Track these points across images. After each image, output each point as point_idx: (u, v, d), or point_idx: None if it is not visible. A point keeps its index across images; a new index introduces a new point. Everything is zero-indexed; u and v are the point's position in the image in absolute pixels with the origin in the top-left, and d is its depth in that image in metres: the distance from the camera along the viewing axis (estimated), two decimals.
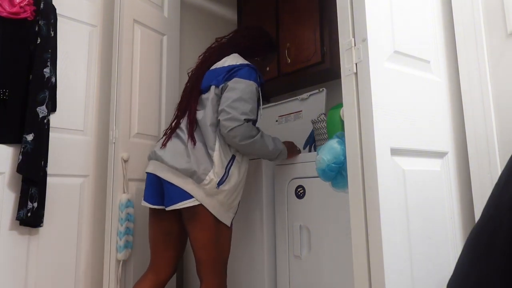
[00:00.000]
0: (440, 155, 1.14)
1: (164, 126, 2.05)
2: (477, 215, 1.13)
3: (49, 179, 1.70)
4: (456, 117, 1.21)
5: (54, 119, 1.78)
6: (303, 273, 1.54)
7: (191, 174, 1.34)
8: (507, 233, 0.48)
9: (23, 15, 1.64)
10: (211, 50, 1.63)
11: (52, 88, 1.73)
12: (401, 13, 1.10)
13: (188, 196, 1.33)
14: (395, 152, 0.98)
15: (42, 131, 1.63)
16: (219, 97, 1.43)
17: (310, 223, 1.53)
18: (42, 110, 1.63)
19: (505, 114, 1.10)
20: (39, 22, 1.67)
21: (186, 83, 1.61)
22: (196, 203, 1.33)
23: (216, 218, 1.37)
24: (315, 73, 2.17)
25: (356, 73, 0.99)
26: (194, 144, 1.39)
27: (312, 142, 1.82)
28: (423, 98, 1.11)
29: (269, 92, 2.64)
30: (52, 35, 1.74)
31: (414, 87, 1.09)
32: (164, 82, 2.10)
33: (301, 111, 2.32)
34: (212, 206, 1.35)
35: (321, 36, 2.09)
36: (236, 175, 1.40)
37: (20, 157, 1.56)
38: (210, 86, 1.46)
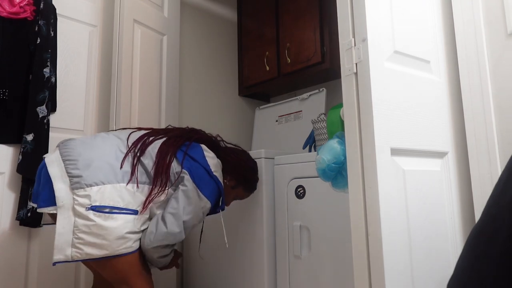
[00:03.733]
0: (440, 155, 1.14)
1: (164, 126, 2.05)
2: (477, 215, 1.13)
3: None
4: (456, 117, 1.21)
5: (54, 119, 1.77)
6: (303, 273, 1.54)
7: None
8: (507, 233, 0.48)
9: (23, 15, 1.64)
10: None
11: (52, 88, 1.73)
12: (401, 13, 1.10)
13: None
14: (395, 152, 0.98)
15: (42, 131, 1.63)
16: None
17: (310, 223, 1.53)
18: (42, 110, 1.63)
19: (505, 114, 1.10)
20: (39, 22, 1.67)
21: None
22: None
23: None
24: (315, 73, 2.17)
25: (356, 73, 0.99)
26: None
27: (312, 142, 1.82)
28: (423, 98, 1.11)
29: (269, 92, 2.64)
30: (52, 35, 1.74)
31: (414, 87, 1.09)
32: (164, 82, 2.10)
33: (301, 111, 2.32)
34: None
35: (321, 36, 2.09)
36: None
37: (20, 157, 1.56)
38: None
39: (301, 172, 1.59)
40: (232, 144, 1.57)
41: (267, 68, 2.38)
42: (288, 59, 2.24)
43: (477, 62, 1.16)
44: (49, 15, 1.72)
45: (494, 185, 0.56)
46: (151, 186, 1.23)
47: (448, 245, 1.09)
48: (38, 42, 1.65)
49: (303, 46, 2.17)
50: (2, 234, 1.58)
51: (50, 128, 1.72)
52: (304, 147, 1.87)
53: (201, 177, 1.30)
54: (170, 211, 1.24)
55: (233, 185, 1.49)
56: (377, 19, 1.01)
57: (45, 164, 1.19)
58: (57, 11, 1.80)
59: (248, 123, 2.72)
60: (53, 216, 1.21)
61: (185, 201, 1.26)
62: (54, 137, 1.76)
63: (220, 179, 1.36)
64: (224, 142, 1.55)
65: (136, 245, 1.20)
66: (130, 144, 1.27)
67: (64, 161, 1.18)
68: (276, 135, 2.45)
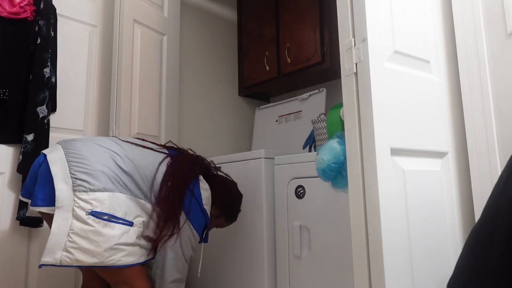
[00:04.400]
0: (440, 155, 1.14)
1: (164, 126, 2.05)
2: (477, 215, 1.13)
3: None
4: (456, 117, 1.21)
5: (54, 119, 1.78)
6: (303, 273, 1.54)
7: None
8: (507, 233, 0.48)
9: (23, 15, 1.64)
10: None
11: (52, 88, 1.73)
12: (401, 13, 1.10)
13: None
14: (395, 152, 0.98)
15: (42, 131, 1.63)
16: None
17: (310, 223, 1.53)
18: (42, 110, 1.63)
19: (505, 114, 1.10)
20: (39, 22, 1.67)
21: None
22: None
23: None
24: (315, 73, 2.17)
25: (356, 73, 0.99)
26: None
27: (312, 142, 1.82)
28: (423, 98, 1.11)
29: (269, 92, 2.64)
30: (52, 35, 1.74)
31: (414, 87, 1.09)
32: (164, 82, 2.10)
33: (301, 111, 2.32)
34: None
35: (321, 36, 2.09)
36: None
37: (20, 157, 1.56)
38: None
39: (301, 172, 1.59)
40: (223, 173, 1.57)
41: (267, 68, 2.38)
42: (288, 59, 2.24)
43: (477, 62, 1.16)
44: (49, 15, 1.72)
45: (494, 185, 0.56)
46: (150, 205, 1.25)
47: (448, 245, 1.09)
48: (38, 42, 1.65)
49: (303, 46, 2.17)
50: (2, 234, 1.58)
51: (50, 128, 1.72)
52: (304, 147, 1.87)
53: (194, 210, 1.32)
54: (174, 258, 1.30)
55: (217, 215, 1.49)
56: (377, 19, 1.01)
57: (45, 161, 1.18)
58: (57, 11, 1.80)
59: (248, 123, 2.72)
60: (46, 216, 1.19)
61: (183, 241, 1.32)
62: (54, 137, 1.76)
63: (208, 211, 1.39)
64: (217, 170, 1.54)
65: (127, 260, 1.17)
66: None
67: (68, 161, 1.16)
68: (276, 135, 2.45)
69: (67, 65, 1.86)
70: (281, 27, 2.33)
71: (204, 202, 1.35)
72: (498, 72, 1.12)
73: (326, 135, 1.63)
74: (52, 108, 1.75)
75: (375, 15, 1.00)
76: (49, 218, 1.16)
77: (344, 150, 1.05)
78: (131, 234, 1.18)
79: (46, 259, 1.08)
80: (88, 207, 1.11)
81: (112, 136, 1.39)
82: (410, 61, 1.10)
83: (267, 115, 2.56)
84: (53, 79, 1.73)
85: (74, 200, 1.11)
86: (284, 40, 2.29)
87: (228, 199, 1.50)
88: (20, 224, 1.60)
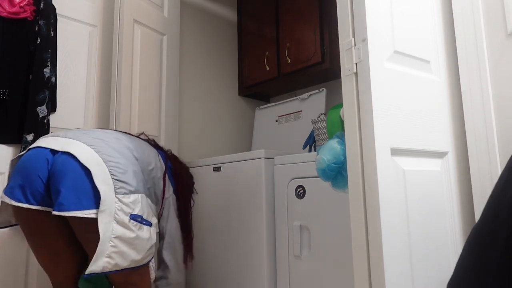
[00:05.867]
0: (440, 155, 1.14)
1: (164, 126, 2.05)
2: (477, 215, 1.13)
3: None
4: (456, 117, 1.21)
5: (54, 119, 1.78)
6: (303, 273, 1.54)
7: None
8: (507, 233, 0.48)
9: (23, 15, 1.64)
10: None
11: (52, 88, 1.73)
12: (401, 13, 1.10)
13: None
14: (395, 152, 0.98)
15: (42, 131, 1.63)
16: None
17: (310, 223, 1.53)
18: (42, 110, 1.63)
19: (505, 114, 1.10)
20: (39, 22, 1.67)
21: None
22: None
23: None
24: (315, 73, 2.17)
25: (356, 73, 0.99)
26: None
27: (312, 142, 1.82)
28: (423, 98, 1.11)
29: (269, 92, 2.64)
30: (52, 35, 1.74)
31: (414, 87, 1.09)
32: (164, 82, 2.10)
33: (301, 111, 2.32)
34: None
35: (321, 36, 2.09)
36: None
37: None
38: None
39: (301, 172, 1.59)
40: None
41: (267, 68, 2.38)
42: (288, 59, 2.24)
43: (477, 62, 1.16)
44: (49, 15, 1.72)
45: (494, 185, 0.56)
46: (158, 200, 1.33)
47: (448, 244, 1.09)
48: (38, 42, 1.65)
49: (303, 46, 2.17)
50: (2, 234, 1.58)
51: (50, 128, 1.72)
52: (304, 147, 1.87)
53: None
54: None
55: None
56: (377, 19, 1.01)
57: (64, 158, 1.07)
58: (57, 11, 1.80)
59: (248, 123, 2.72)
60: (43, 219, 1.12)
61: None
62: None
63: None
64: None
65: (150, 257, 1.20)
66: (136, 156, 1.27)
67: (105, 161, 1.09)
68: (276, 135, 2.45)
69: (67, 65, 1.86)
70: (281, 27, 2.33)
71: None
72: (498, 72, 1.12)
73: (326, 135, 1.63)
74: (52, 108, 1.75)
75: (375, 15, 1.00)
76: (46, 221, 1.10)
77: (344, 150, 1.05)
78: (153, 234, 1.18)
79: (93, 268, 1.02)
80: (128, 210, 1.08)
81: (107, 129, 1.36)
82: (410, 61, 1.10)
83: (267, 115, 2.56)
84: (53, 79, 1.73)
85: (116, 203, 1.06)
86: (284, 40, 2.29)
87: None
88: None
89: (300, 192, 1.59)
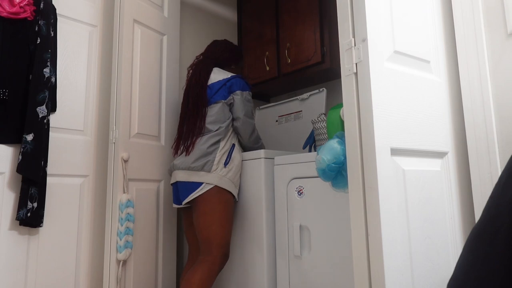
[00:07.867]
0: (440, 155, 1.14)
1: (164, 126, 2.05)
2: (477, 215, 1.13)
3: (49, 179, 1.70)
4: (456, 117, 1.21)
5: (54, 119, 1.78)
6: (303, 273, 1.54)
7: (202, 167, 1.64)
8: (507, 233, 0.48)
9: (23, 15, 1.64)
10: (197, 68, 1.87)
11: (52, 88, 1.73)
12: (401, 13, 1.10)
13: (197, 186, 1.63)
14: (395, 152, 0.98)
15: (42, 131, 1.63)
16: (225, 107, 1.77)
17: (310, 223, 1.53)
18: (42, 110, 1.63)
19: (505, 114, 1.10)
20: (39, 22, 1.67)
21: (187, 98, 1.83)
22: (208, 187, 1.62)
23: (228, 194, 1.67)
24: (315, 73, 2.17)
25: (356, 73, 0.99)
26: (198, 144, 1.72)
27: (312, 142, 1.82)
28: (423, 98, 1.11)
29: (269, 92, 2.64)
30: (52, 35, 1.74)
31: (414, 87, 1.09)
32: (164, 82, 2.10)
33: (301, 111, 2.32)
34: (227, 184, 1.66)
35: (321, 36, 2.09)
36: (237, 157, 1.75)
37: (20, 157, 1.56)
38: (217, 101, 1.77)
39: (301, 172, 1.59)
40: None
41: (267, 68, 2.38)
42: (288, 59, 2.24)
43: (477, 62, 1.16)
44: (49, 15, 1.72)
45: (494, 185, 0.56)
46: None
47: (448, 245, 1.09)
48: (38, 42, 1.65)
49: (303, 46, 2.17)
50: (2, 234, 1.58)
51: (50, 128, 1.72)
52: (304, 147, 1.87)
53: None
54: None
55: (235, 65, 2.08)
56: (377, 19, 1.01)
57: None
58: (57, 11, 1.80)
59: None
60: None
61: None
62: (54, 137, 1.76)
63: None
64: None
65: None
66: None
67: None
68: (276, 135, 2.45)
69: (67, 65, 1.86)
70: (281, 27, 2.33)
71: None
72: (498, 72, 1.12)
73: (326, 135, 1.63)
74: (52, 108, 1.75)
75: (375, 15, 1.00)
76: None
77: (344, 150, 1.05)
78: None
79: None
80: None
81: None
82: (410, 61, 1.10)
83: (267, 115, 2.56)
84: (53, 79, 1.73)
85: None
86: (284, 40, 2.29)
87: (230, 52, 2.01)
88: (20, 224, 1.60)
89: (300, 192, 1.59)
